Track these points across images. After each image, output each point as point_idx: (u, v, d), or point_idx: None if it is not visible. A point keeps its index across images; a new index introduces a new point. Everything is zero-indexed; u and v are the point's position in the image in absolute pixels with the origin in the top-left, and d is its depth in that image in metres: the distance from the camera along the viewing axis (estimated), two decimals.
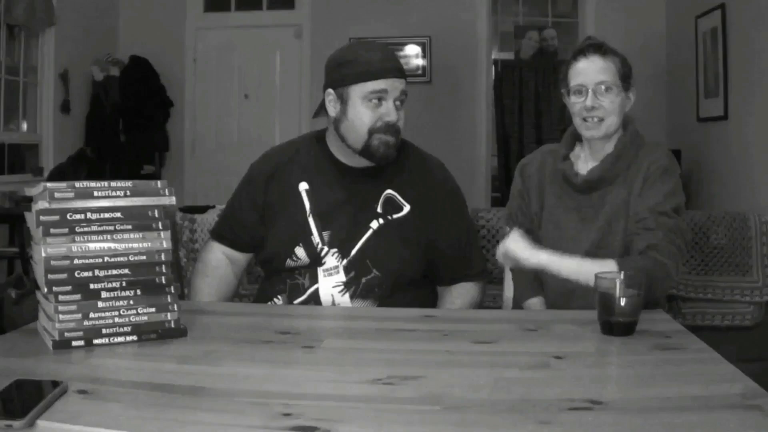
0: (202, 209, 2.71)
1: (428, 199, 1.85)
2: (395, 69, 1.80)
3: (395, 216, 1.82)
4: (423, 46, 5.87)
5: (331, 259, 1.80)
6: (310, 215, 1.84)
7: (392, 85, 1.78)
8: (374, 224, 1.80)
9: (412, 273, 1.83)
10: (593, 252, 1.75)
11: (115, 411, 1.01)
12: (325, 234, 1.81)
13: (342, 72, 1.80)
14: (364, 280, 1.79)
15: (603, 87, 1.79)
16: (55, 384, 1.06)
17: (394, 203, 1.82)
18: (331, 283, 1.79)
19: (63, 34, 5.11)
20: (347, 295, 1.79)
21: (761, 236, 3.11)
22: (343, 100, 1.81)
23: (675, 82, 5.42)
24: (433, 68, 5.86)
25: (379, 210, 1.81)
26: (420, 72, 5.88)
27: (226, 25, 6.06)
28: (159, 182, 1.40)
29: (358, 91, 1.78)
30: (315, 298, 1.80)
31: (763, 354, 2.82)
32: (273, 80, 6.05)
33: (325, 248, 1.81)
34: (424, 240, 1.84)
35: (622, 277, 1.44)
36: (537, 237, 1.88)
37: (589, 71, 1.80)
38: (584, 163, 1.89)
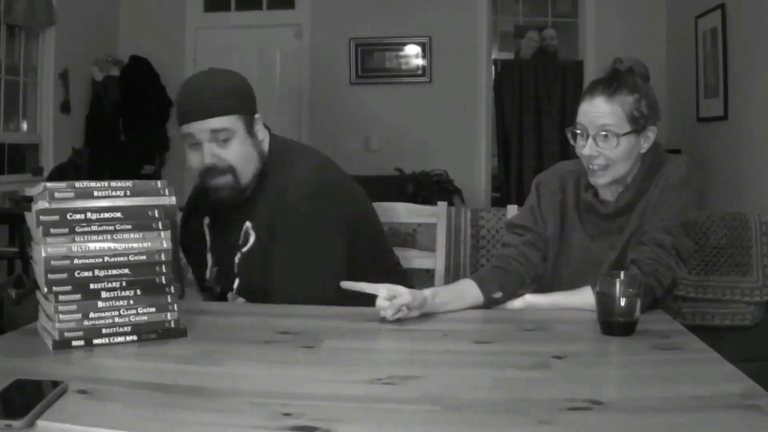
0: None
1: (273, 224, 1.77)
2: (197, 112, 1.71)
3: (245, 249, 1.80)
4: (423, 46, 5.87)
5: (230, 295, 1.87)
6: (209, 251, 1.91)
7: (196, 129, 1.71)
8: (237, 258, 1.81)
9: None
10: (615, 269, 1.66)
11: (115, 411, 1.01)
12: (215, 269, 1.89)
13: (176, 113, 1.80)
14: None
15: (603, 134, 1.66)
16: (55, 384, 1.06)
17: (248, 235, 1.80)
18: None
19: (63, 34, 5.11)
20: None
21: (761, 236, 3.11)
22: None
23: (675, 82, 5.42)
24: (433, 68, 5.86)
25: (240, 242, 1.81)
26: (420, 72, 5.88)
27: (226, 25, 6.06)
28: (159, 182, 1.40)
29: (182, 134, 1.77)
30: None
31: (763, 354, 2.81)
32: (273, 80, 6.05)
33: (214, 286, 1.89)
34: (271, 265, 1.77)
35: (622, 277, 1.44)
36: (540, 257, 1.83)
37: (590, 115, 1.68)
38: (608, 188, 1.77)
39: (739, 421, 0.98)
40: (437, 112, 5.72)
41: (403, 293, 1.51)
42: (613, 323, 1.43)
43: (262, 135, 1.81)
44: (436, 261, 2.19)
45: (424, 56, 5.87)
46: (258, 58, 6.01)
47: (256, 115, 1.81)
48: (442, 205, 2.23)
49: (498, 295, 1.71)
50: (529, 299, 1.72)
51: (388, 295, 1.51)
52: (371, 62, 5.93)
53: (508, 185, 6.02)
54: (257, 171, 1.79)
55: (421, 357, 1.12)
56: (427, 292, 1.57)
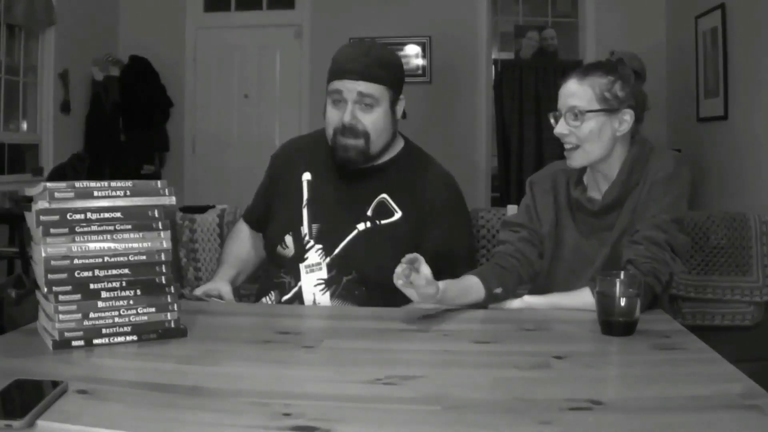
0: (202, 209, 2.71)
1: (421, 209, 1.83)
2: (352, 71, 1.78)
3: (384, 221, 1.81)
4: (423, 46, 5.87)
5: (314, 255, 1.83)
6: (306, 206, 1.87)
7: (346, 87, 1.78)
8: (361, 226, 1.81)
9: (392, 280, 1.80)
10: (607, 267, 1.70)
11: (115, 411, 1.01)
12: (314, 227, 1.84)
13: (329, 69, 1.86)
14: (344, 279, 1.80)
15: (572, 114, 1.71)
16: (55, 384, 1.06)
17: (386, 208, 1.82)
18: (312, 280, 1.81)
19: (63, 34, 5.11)
20: (327, 294, 1.80)
21: (761, 236, 3.11)
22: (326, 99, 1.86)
23: (675, 82, 5.42)
24: (433, 68, 5.86)
25: (369, 213, 1.82)
26: (420, 72, 5.88)
27: (226, 25, 6.06)
28: (159, 182, 1.40)
29: (328, 90, 1.84)
30: (299, 297, 1.82)
31: (763, 354, 2.81)
32: (273, 80, 6.05)
33: (311, 242, 1.83)
34: (410, 249, 1.76)
35: (622, 277, 1.45)
36: (536, 254, 1.83)
37: (562, 96, 1.75)
38: (596, 185, 1.81)
39: (739, 421, 0.98)
40: (437, 112, 5.72)
41: (425, 272, 1.50)
42: (613, 323, 1.43)
43: (400, 115, 1.90)
44: None
45: (424, 56, 5.87)
46: (258, 58, 6.01)
47: (401, 96, 1.89)
48: None
49: (498, 290, 1.72)
50: (528, 300, 1.72)
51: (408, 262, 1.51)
52: None
53: (508, 185, 6.01)
54: (387, 145, 1.87)
55: (421, 357, 1.12)
56: (440, 284, 1.56)
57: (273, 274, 1.89)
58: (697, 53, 4.92)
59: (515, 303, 1.72)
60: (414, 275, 1.49)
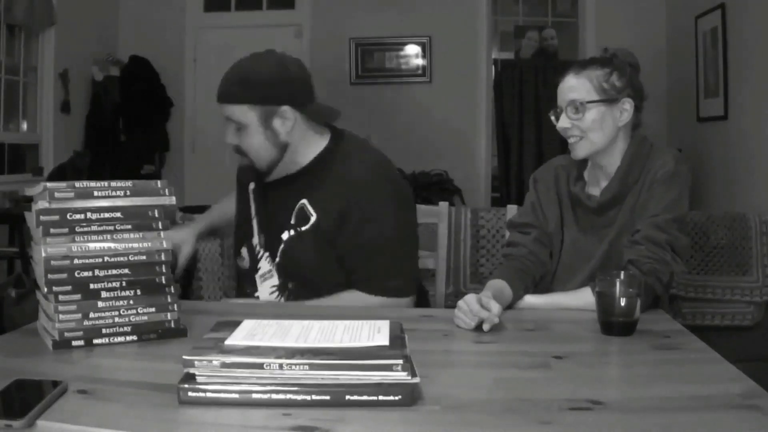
0: (202, 209, 2.71)
1: (340, 207, 1.74)
2: (219, 95, 1.78)
3: (303, 228, 1.78)
4: (423, 46, 5.87)
5: (265, 263, 1.85)
6: (254, 216, 1.90)
7: (222, 111, 1.78)
8: (284, 235, 1.80)
9: (332, 279, 1.78)
10: (604, 264, 1.71)
11: (115, 411, 1.01)
12: (261, 236, 1.87)
13: None
14: (290, 285, 1.82)
15: (573, 107, 1.74)
16: (55, 384, 1.06)
17: (305, 213, 1.79)
18: (267, 288, 1.84)
19: (63, 34, 5.11)
20: (282, 299, 1.83)
21: (761, 236, 3.11)
22: None
23: (675, 82, 5.42)
24: (433, 68, 5.86)
25: (292, 221, 1.80)
26: (420, 72, 5.88)
27: (226, 25, 6.05)
28: (159, 182, 1.40)
29: None
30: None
31: (763, 354, 2.82)
32: None
33: (261, 251, 1.86)
34: (334, 247, 1.76)
35: (621, 277, 1.44)
36: (547, 253, 1.83)
37: (561, 92, 1.77)
38: (596, 181, 1.82)
39: (739, 421, 0.98)
40: (437, 112, 5.73)
41: (495, 310, 1.46)
42: (613, 323, 1.43)
43: (286, 127, 1.75)
44: (437, 261, 2.19)
45: (424, 56, 5.87)
46: None
47: (283, 107, 1.74)
48: (444, 206, 2.23)
49: (520, 294, 1.73)
50: (528, 300, 1.72)
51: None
52: (371, 62, 5.93)
53: (508, 185, 6.01)
54: (275, 159, 1.79)
55: (421, 357, 1.12)
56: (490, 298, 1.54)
57: (239, 291, 1.94)
58: (697, 53, 4.92)
59: (520, 304, 1.71)
60: (490, 316, 1.45)
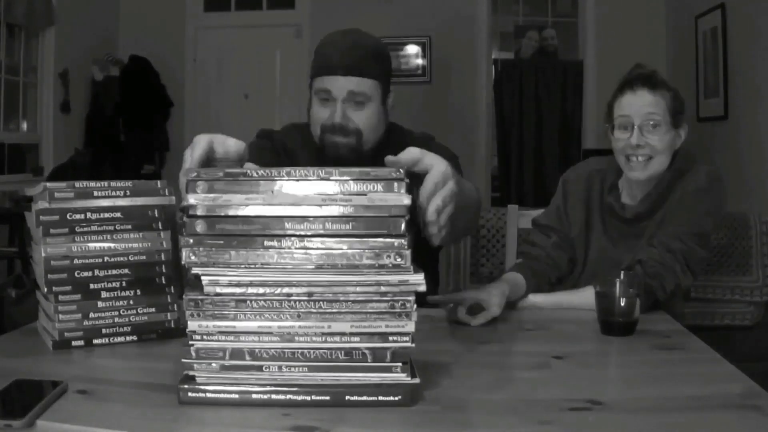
0: None
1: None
2: (342, 66, 1.67)
3: None
4: (423, 45, 5.87)
5: None
6: None
7: (335, 85, 1.67)
8: None
9: None
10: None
11: (115, 411, 1.01)
12: None
13: (312, 63, 1.77)
14: None
15: (651, 123, 1.68)
16: (55, 384, 1.05)
17: None
18: None
19: (63, 34, 5.11)
20: None
21: (761, 236, 3.11)
22: (310, 93, 1.76)
23: (675, 82, 5.40)
24: (433, 68, 5.86)
25: None
26: (420, 72, 5.88)
27: (226, 25, 6.06)
28: (159, 182, 1.40)
29: (314, 87, 1.73)
30: None
31: (763, 354, 2.81)
32: (273, 80, 6.05)
33: None
34: None
35: (621, 277, 1.44)
36: (566, 258, 1.83)
37: (636, 105, 1.69)
38: (631, 191, 1.79)
39: (739, 422, 0.98)
40: (437, 112, 5.73)
41: (493, 306, 1.52)
42: (613, 323, 1.43)
43: (390, 106, 1.78)
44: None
45: (424, 56, 5.87)
46: (258, 58, 6.01)
47: (391, 89, 1.77)
48: None
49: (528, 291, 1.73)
50: (532, 299, 1.70)
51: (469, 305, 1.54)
52: None
53: (508, 185, 6.01)
54: (381, 139, 1.75)
55: (420, 357, 1.12)
56: (505, 290, 1.58)
57: None
58: (697, 53, 4.92)
59: (519, 303, 1.71)
60: (486, 314, 1.51)
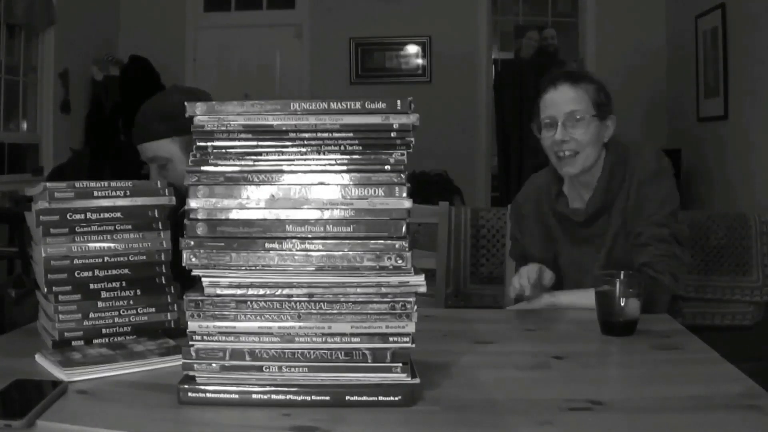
0: None
1: None
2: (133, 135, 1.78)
3: None
4: (423, 46, 5.87)
5: None
6: None
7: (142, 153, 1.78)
8: None
9: None
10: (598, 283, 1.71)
11: (115, 411, 1.01)
12: None
13: None
14: None
15: (574, 117, 1.70)
16: (55, 384, 1.06)
17: None
18: None
19: (63, 34, 5.11)
20: None
21: (761, 236, 3.11)
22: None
23: (675, 82, 5.42)
24: (433, 68, 5.86)
25: None
26: (420, 72, 5.88)
27: (226, 25, 6.06)
28: (159, 182, 1.40)
29: None
30: None
31: (763, 354, 2.81)
32: (273, 80, 6.05)
33: None
34: None
35: (621, 277, 1.45)
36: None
37: (558, 102, 1.71)
38: (577, 195, 1.81)
39: (739, 421, 0.98)
40: (437, 112, 5.72)
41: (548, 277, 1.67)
42: (614, 323, 1.43)
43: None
44: (437, 260, 2.19)
45: (424, 56, 5.88)
46: (258, 58, 6.01)
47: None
48: (444, 205, 2.23)
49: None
50: (548, 299, 1.69)
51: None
52: (371, 62, 5.93)
53: (508, 185, 6.01)
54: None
55: (420, 357, 1.12)
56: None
57: None
58: (697, 53, 4.92)
59: (536, 303, 1.69)
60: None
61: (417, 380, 1.03)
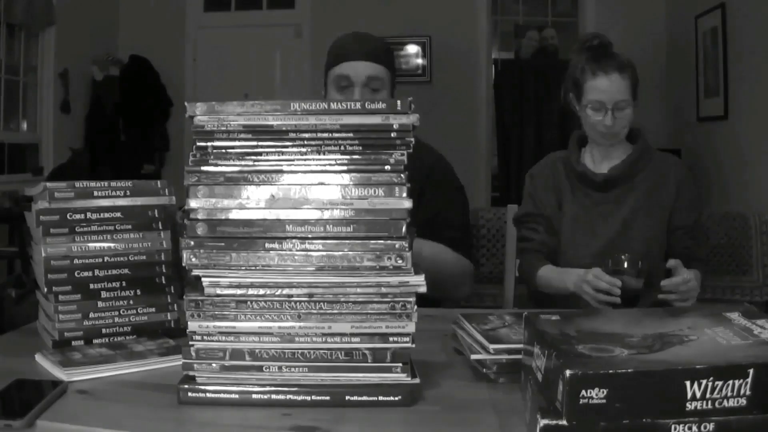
0: None
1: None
2: (359, 52, 1.76)
3: None
4: (423, 45, 5.87)
5: None
6: None
7: (355, 70, 1.75)
8: None
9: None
10: (608, 250, 1.82)
11: (115, 411, 1.01)
12: None
13: (328, 57, 1.84)
14: None
15: (621, 106, 1.85)
16: (55, 384, 1.06)
17: None
18: None
19: (63, 34, 5.11)
20: None
21: (761, 236, 3.11)
22: (325, 88, 1.84)
23: (675, 82, 5.42)
24: (433, 68, 5.86)
25: None
26: (420, 72, 5.88)
27: (226, 25, 6.06)
28: (159, 182, 1.40)
29: (330, 78, 1.80)
30: None
31: None
32: (273, 80, 6.05)
33: None
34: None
35: (623, 257, 1.66)
36: (553, 240, 1.98)
37: (609, 90, 1.84)
38: (595, 164, 1.98)
39: None
40: (437, 112, 5.73)
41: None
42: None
43: None
44: None
45: (424, 56, 5.87)
46: (258, 58, 6.01)
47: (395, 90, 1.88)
48: None
49: None
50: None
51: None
52: None
53: (508, 185, 6.01)
54: None
55: (421, 357, 1.12)
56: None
57: None
58: (697, 53, 4.92)
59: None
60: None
61: (417, 380, 1.03)
